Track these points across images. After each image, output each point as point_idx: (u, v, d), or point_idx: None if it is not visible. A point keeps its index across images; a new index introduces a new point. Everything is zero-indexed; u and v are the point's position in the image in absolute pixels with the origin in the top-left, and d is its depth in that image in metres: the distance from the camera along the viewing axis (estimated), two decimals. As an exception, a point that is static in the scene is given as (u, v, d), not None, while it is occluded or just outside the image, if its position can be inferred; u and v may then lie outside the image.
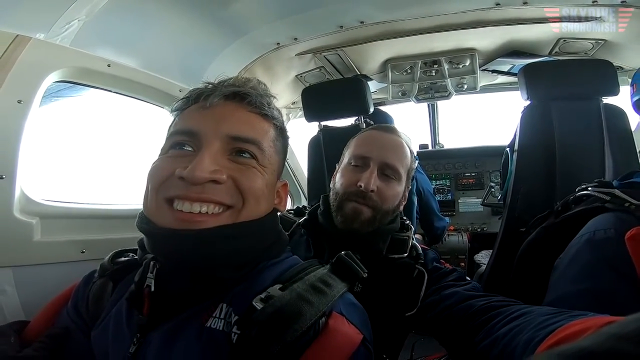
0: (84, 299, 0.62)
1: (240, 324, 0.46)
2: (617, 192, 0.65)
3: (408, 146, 0.90)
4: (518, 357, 0.42)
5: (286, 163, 0.66)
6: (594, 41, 1.38)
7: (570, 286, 0.61)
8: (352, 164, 0.86)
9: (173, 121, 0.56)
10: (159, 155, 0.54)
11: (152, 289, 0.50)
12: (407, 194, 0.91)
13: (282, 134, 0.59)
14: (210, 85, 0.55)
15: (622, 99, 1.15)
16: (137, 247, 0.65)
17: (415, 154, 0.96)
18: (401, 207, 0.89)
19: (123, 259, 0.64)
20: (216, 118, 0.51)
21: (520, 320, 0.47)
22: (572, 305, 0.53)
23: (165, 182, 0.49)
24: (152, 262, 0.52)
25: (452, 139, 2.80)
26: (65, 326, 0.61)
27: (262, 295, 0.47)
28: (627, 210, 0.61)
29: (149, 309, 0.51)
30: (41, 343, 0.57)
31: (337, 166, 0.95)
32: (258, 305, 0.45)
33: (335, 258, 0.58)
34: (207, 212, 0.47)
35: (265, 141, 0.54)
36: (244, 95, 0.54)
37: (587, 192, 0.73)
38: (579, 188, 0.77)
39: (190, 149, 0.51)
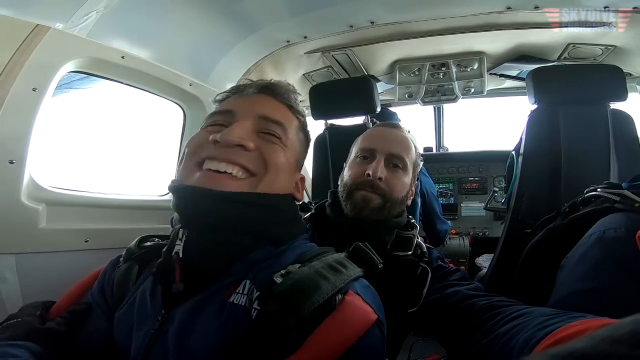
0: (110, 281, 0.64)
1: (261, 299, 0.48)
2: (627, 192, 0.65)
3: (412, 142, 0.92)
4: (516, 356, 0.42)
5: None
6: (603, 47, 1.39)
7: (579, 284, 0.61)
8: (360, 157, 0.89)
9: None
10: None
11: (181, 254, 0.53)
12: (414, 189, 0.93)
13: (304, 129, 0.66)
14: (249, 81, 0.64)
15: (629, 105, 1.15)
16: (162, 235, 0.70)
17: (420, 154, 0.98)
18: (409, 201, 0.91)
19: (149, 243, 0.67)
20: (250, 102, 0.60)
21: (520, 320, 0.47)
22: (579, 303, 0.54)
23: (199, 147, 0.56)
24: (180, 230, 0.54)
25: (457, 142, 2.81)
26: (88, 302, 0.63)
27: (283, 271, 0.49)
28: (637, 211, 0.61)
29: (182, 276, 0.53)
30: (63, 318, 0.59)
31: (344, 164, 0.96)
32: (278, 279, 0.48)
33: (353, 246, 0.59)
34: (231, 174, 0.53)
35: (289, 127, 0.61)
36: (274, 88, 0.62)
37: (597, 193, 0.73)
38: (587, 189, 0.77)
39: (225, 125, 0.58)
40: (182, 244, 0.53)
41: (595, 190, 0.75)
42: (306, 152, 0.69)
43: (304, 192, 0.69)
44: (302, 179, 0.67)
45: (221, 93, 0.65)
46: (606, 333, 0.18)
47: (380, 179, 0.83)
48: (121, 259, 0.66)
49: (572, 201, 0.81)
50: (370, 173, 0.83)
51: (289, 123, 0.61)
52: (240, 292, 0.50)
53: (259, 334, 0.45)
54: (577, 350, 0.18)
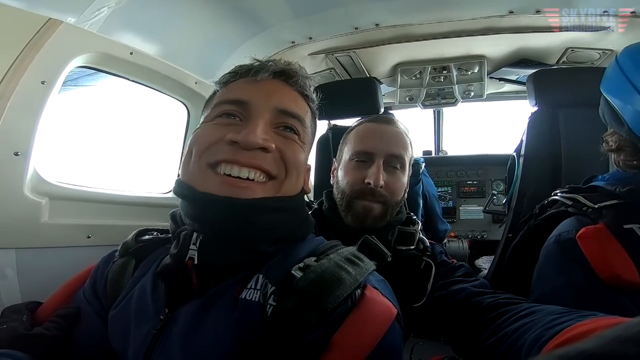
0: (103, 278, 0.61)
1: (278, 294, 0.46)
2: (578, 197, 0.71)
3: (408, 137, 0.91)
4: (524, 355, 0.42)
5: None
6: (601, 51, 1.42)
7: (549, 283, 0.66)
8: (355, 160, 0.85)
9: (215, 94, 0.58)
10: (202, 123, 0.55)
11: (196, 261, 0.49)
12: (408, 182, 0.92)
13: (314, 119, 0.62)
14: (257, 62, 0.57)
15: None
16: (159, 229, 0.67)
17: (416, 155, 0.97)
18: (405, 196, 0.90)
19: (147, 237, 0.64)
20: (266, 91, 0.54)
21: (529, 319, 0.47)
22: (554, 300, 0.56)
23: (211, 146, 0.50)
24: (195, 234, 0.50)
25: (456, 146, 2.83)
26: (77, 306, 0.60)
27: (301, 265, 0.47)
28: (584, 214, 0.67)
29: (198, 280, 0.50)
30: (52, 322, 0.57)
31: (334, 162, 0.94)
32: (297, 273, 0.46)
33: (362, 240, 0.59)
34: (253, 179, 0.49)
35: (306, 119, 0.57)
36: (291, 74, 0.57)
37: (556, 197, 0.79)
38: (553, 192, 0.82)
39: (238, 118, 0.53)
40: (196, 249, 0.49)
41: (556, 194, 0.80)
42: (314, 140, 0.65)
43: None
44: (309, 169, 0.64)
45: (226, 74, 0.58)
46: (616, 333, 0.18)
47: (381, 186, 0.80)
48: (116, 254, 0.63)
49: (541, 203, 0.85)
50: (372, 182, 0.79)
51: (305, 115, 0.57)
52: (253, 287, 0.48)
53: (276, 332, 0.43)
54: (586, 350, 0.17)
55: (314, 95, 0.60)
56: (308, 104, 0.59)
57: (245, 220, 0.48)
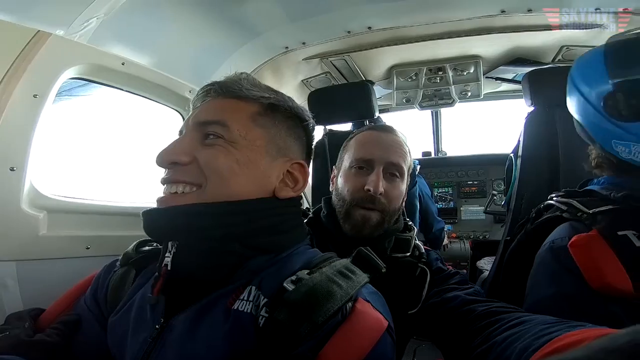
0: (104, 286, 0.63)
1: (270, 306, 0.47)
2: (573, 202, 0.68)
3: (407, 146, 0.91)
4: None
5: None
6: (596, 49, 1.41)
7: (541, 292, 0.64)
8: (355, 167, 0.85)
9: None
10: None
11: (169, 267, 0.53)
12: (406, 191, 0.91)
13: (273, 109, 0.58)
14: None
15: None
16: None
17: (414, 157, 0.97)
18: (403, 204, 0.90)
19: (147, 247, 0.66)
20: (194, 114, 0.57)
21: (519, 328, 0.47)
22: (545, 309, 0.56)
23: None
24: (169, 243, 0.54)
25: (455, 146, 2.83)
26: (78, 313, 0.62)
27: (293, 278, 0.48)
28: (579, 219, 0.65)
29: (161, 288, 0.53)
30: (54, 329, 0.58)
31: (333, 169, 0.94)
32: (289, 286, 0.46)
33: (356, 252, 0.59)
34: (176, 192, 0.52)
35: (234, 118, 0.54)
36: (218, 87, 0.58)
37: (551, 202, 0.77)
38: (549, 196, 0.80)
39: None
40: (170, 257, 0.53)
41: (551, 198, 0.78)
42: (292, 131, 0.60)
43: (303, 197, 0.65)
44: (301, 165, 0.60)
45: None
46: (604, 343, 0.18)
47: (381, 193, 0.81)
48: (117, 264, 0.65)
49: (537, 207, 0.83)
50: (372, 189, 0.79)
51: (232, 115, 0.54)
52: (245, 298, 0.49)
53: (268, 343, 0.44)
54: None
55: (255, 91, 0.57)
56: (248, 103, 0.56)
57: (170, 225, 0.51)
